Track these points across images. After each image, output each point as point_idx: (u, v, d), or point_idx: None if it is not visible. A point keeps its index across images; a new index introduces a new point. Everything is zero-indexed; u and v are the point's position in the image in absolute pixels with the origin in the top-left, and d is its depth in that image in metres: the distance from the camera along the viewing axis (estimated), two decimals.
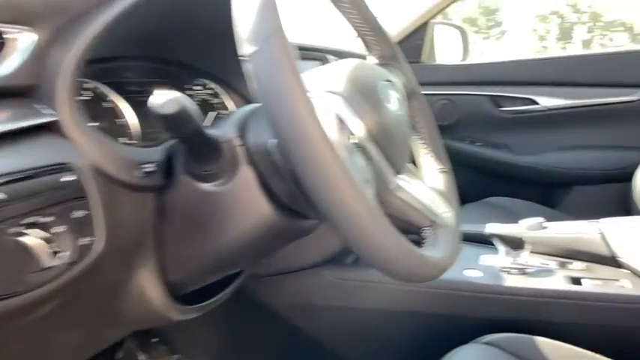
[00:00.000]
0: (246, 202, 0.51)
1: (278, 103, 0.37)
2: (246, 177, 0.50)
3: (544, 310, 0.80)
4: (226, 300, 1.00)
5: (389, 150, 0.52)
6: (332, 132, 0.45)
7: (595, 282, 0.80)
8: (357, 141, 0.47)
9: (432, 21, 1.72)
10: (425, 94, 1.85)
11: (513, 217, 0.95)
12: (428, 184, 0.65)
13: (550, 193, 1.64)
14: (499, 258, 0.87)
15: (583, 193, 1.58)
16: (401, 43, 1.67)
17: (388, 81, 0.55)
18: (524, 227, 0.91)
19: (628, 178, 1.35)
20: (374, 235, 0.39)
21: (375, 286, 0.85)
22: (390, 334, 0.89)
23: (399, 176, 0.57)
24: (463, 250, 0.97)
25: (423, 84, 1.88)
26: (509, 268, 0.85)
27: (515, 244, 0.86)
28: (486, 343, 0.73)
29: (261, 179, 0.50)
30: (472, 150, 1.70)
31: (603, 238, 0.86)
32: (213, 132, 0.50)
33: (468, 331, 0.76)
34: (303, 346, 0.97)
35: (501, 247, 0.87)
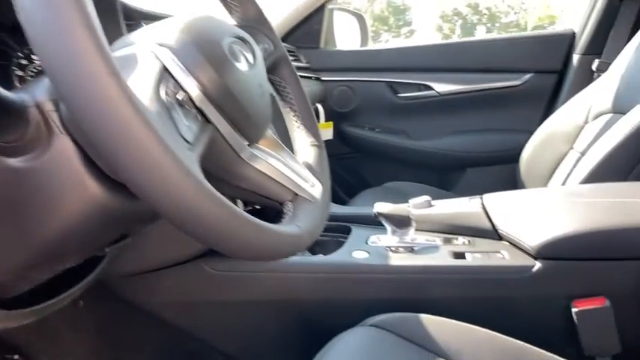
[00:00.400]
0: (65, 180, 0.42)
1: (48, 40, 0.29)
2: (62, 149, 0.41)
3: (430, 286, 0.78)
4: (99, 302, 0.89)
5: (236, 115, 0.46)
6: (142, 84, 0.37)
7: (477, 255, 0.80)
8: (182, 98, 0.40)
9: (330, 6, 1.70)
10: (324, 80, 1.82)
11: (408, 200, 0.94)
12: (299, 158, 0.60)
13: (446, 176, 1.68)
14: (387, 238, 0.85)
15: (475, 174, 1.64)
16: (299, 27, 1.63)
17: (240, 39, 0.49)
18: (411, 206, 0.90)
19: (515, 159, 1.41)
20: (190, 201, 0.33)
21: (256, 276, 0.79)
22: (277, 325, 0.83)
23: (257, 146, 0.51)
24: (353, 232, 0.94)
25: (321, 70, 1.85)
26: (397, 246, 0.83)
27: (402, 222, 0.84)
28: (372, 325, 0.70)
29: (82, 151, 0.42)
30: (372, 136, 1.71)
31: (485, 211, 0.87)
32: (16, 94, 0.41)
33: (356, 314, 0.73)
34: (185, 346, 0.89)
35: (389, 227, 0.85)
